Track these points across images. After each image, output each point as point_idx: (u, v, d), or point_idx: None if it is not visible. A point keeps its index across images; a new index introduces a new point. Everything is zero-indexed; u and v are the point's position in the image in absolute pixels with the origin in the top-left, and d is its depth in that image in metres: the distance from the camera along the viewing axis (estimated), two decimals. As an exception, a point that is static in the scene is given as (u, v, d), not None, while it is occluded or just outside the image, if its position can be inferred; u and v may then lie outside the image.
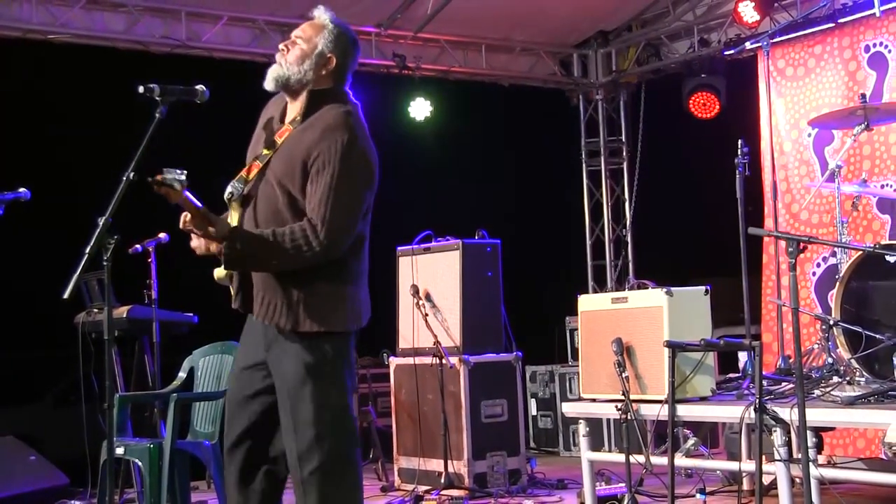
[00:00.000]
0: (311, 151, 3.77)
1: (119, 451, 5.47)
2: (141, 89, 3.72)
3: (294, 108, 3.92)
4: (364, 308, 3.92)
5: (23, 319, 7.59)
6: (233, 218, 3.86)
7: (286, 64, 3.89)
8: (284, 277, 3.78)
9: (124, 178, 3.63)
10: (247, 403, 3.86)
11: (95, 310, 6.71)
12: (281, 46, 3.94)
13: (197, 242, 3.82)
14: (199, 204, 3.65)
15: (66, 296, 3.59)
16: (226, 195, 3.86)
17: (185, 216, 3.69)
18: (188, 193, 3.59)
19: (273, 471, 3.89)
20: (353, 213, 3.80)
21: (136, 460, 5.56)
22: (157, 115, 3.71)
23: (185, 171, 3.58)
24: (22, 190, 5.53)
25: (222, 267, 3.81)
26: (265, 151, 3.88)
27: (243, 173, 3.89)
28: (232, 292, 3.94)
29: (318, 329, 3.75)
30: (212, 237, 3.70)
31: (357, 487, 3.87)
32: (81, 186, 7.47)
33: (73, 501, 6.68)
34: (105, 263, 3.66)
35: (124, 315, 6.64)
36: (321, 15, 3.99)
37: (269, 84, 3.93)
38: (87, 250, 3.58)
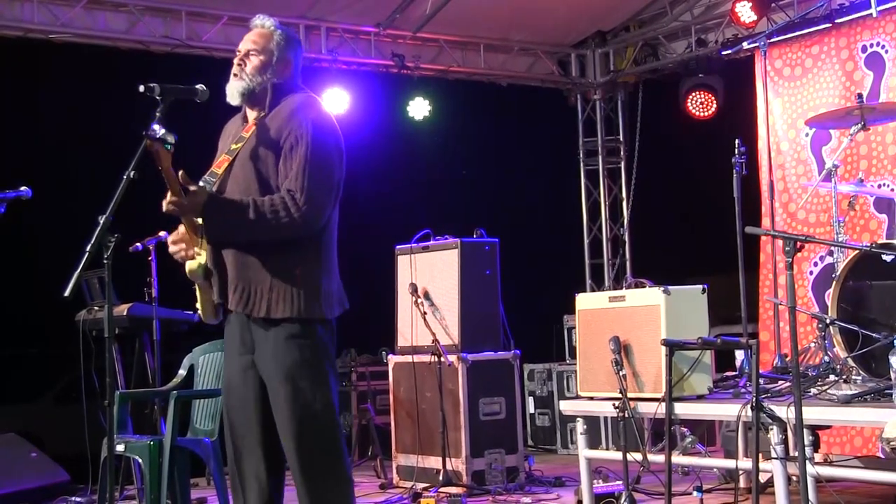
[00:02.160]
0: (281, 132, 3.86)
1: (119, 447, 5.48)
2: (142, 88, 3.76)
3: (254, 113, 3.98)
4: (338, 297, 3.97)
5: (24, 317, 7.61)
6: None
7: (248, 76, 3.94)
8: (259, 266, 3.82)
9: (125, 177, 3.66)
10: (247, 409, 3.90)
11: (96, 307, 6.74)
12: (236, 62, 3.97)
13: (175, 248, 3.87)
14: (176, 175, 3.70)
15: (67, 294, 3.62)
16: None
17: (167, 200, 3.72)
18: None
19: (277, 463, 3.93)
20: (329, 185, 3.87)
21: (137, 457, 5.57)
22: (158, 114, 3.74)
23: (176, 136, 3.64)
24: (23, 188, 5.55)
25: (205, 236, 3.82)
26: (233, 146, 3.95)
27: (213, 168, 3.94)
28: (198, 297, 3.96)
29: (294, 315, 3.80)
30: (191, 205, 3.72)
31: (346, 479, 3.89)
32: (82, 185, 7.50)
33: (74, 498, 6.69)
34: (106, 261, 3.69)
35: (125, 313, 6.66)
36: (265, 22, 4.06)
37: (234, 99, 3.99)
38: (88, 248, 3.62)
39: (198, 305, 4.01)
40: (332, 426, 3.86)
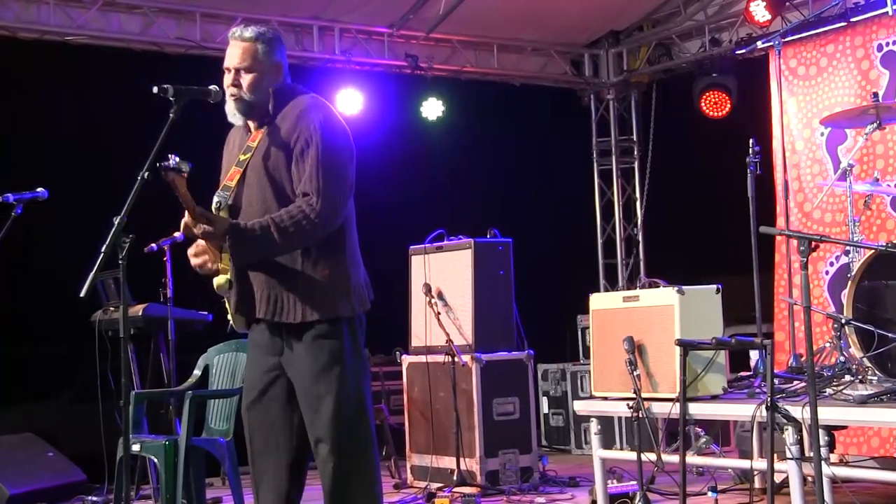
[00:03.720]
0: (290, 136, 3.85)
1: (135, 447, 5.49)
2: (155, 89, 3.77)
3: (256, 122, 3.97)
4: (366, 290, 3.99)
5: (40, 317, 7.65)
6: None
7: (246, 95, 3.90)
8: (285, 272, 3.83)
9: (139, 178, 3.67)
10: (271, 410, 3.91)
11: (111, 308, 6.76)
12: (230, 82, 3.90)
13: (197, 260, 3.85)
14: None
15: (82, 294, 3.63)
16: (213, 206, 3.87)
17: (186, 219, 3.73)
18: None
19: (299, 461, 3.94)
20: (343, 182, 3.87)
21: (152, 457, 5.58)
22: (172, 114, 3.76)
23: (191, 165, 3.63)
24: (39, 189, 5.59)
25: (230, 262, 3.82)
26: (242, 157, 3.93)
27: (226, 181, 3.92)
28: (229, 309, 3.97)
29: (326, 317, 3.81)
30: (211, 235, 3.74)
31: (374, 479, 3.91)
32: (97, 186, 7.52)
33: (90, 497, 6.73)
34: (121, 262, 3.71)
35: (140, 313, 6.69)
36: (244, 34, 3.95)
37: (236, 119, 3.97)
38: (104, 249, 3.63)
39: (229, 317, 4.01)
40: (363, 426, 3.87)
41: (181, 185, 3.65)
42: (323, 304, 3.82)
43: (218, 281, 3.89)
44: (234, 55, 3.93)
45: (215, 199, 3.87)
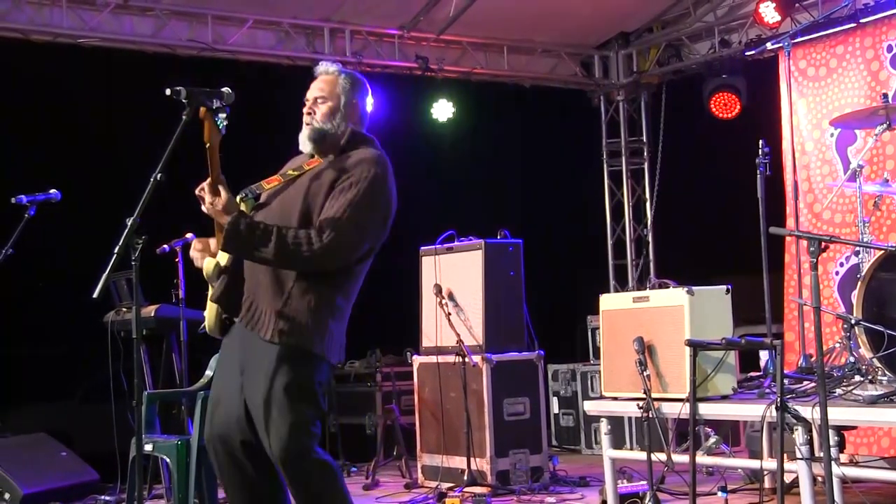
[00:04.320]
0: (343, 172, 3.89)
1: (147, 447, 5.52)
2: (168, 92, 3.78)
3: (324, 157, 4.02)
4: (339, 347, 3.97)
5: (53, 318, 7.69)
6: None
7: (318, 122, 3.99)
8: (273, 287, 3.84)
9: (152, 179, 3.69)
10: (234, 428, 3.90)
11: (124, 309, 6.81)
12: (306, 110, 4.02)
13: (197, 254, 3.93)
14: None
15: (95, 295, 3.64)
16: (239, 196, 3.92)
17: (202, 185, 3.76)
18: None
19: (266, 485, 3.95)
20: (362, 234, 3.88)
21: (165, 457, 5.62)
22: (184, 116, 3.78)
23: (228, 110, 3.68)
24: (52, 191, 5.62)
25: (220, 247, 3.85)
26: (291, 172, 3.99)
27: (263, 182, 3.98)
28: (207, 307, 3.98)
29: (295, 344, 3.80)
30: (216, 211, 3.76)
31: (334, 486, 3.88)
32: (110, 187, 7.57)
33: (103, 497, 6.77)
34: (133, 263, 3.73)
35: (152, 314, 6.73)
36: (328, 69, 4.09)
37: (305, 146, 4.05)
38: (116, 250, 3.65)
39: (205, 313, 4.03)
40: (307, 447, 3.80)
41: (214, 135, 3.68)
42: (295, 332, 3.81)
43: (208, 265, 3.92)
44: (314, 88, 4.06)
45: (243, 191, 3.92)
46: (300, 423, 3.78)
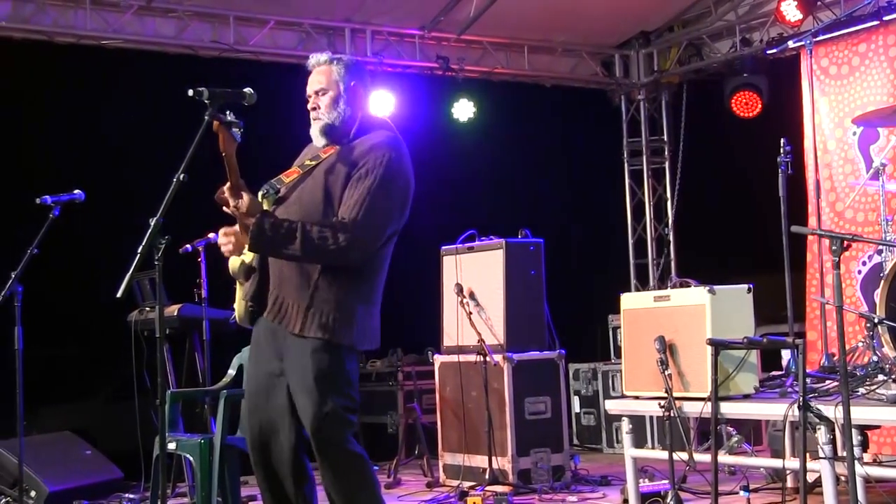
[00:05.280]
0: (358, 161, 3.91)
1: (171, 446, 5.56)
2: (190, 93, 3.82)
3: (337, 146, 4.04)
4: (372, 333, 4.00)
5: (78, 318, 7.74)
6: None
7: (324, 115, 4.02)
8: (300, 284, 3.88)
9: (175, 180, 3.72)
10: (275, 414, 3.96)
11: (147, 308, 6.84)
12: (310, 106, 4.05)
13: (224, 240, 3.96)
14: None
15: (119, 295, 3.67)
16: (260, 192, 3.97)
17: (223, 188, 3.80)
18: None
19: (298, 469, 4.00)
20: (384, 221, 3.91)
21: (188, 455, 5.65)
22: (207, 117, 3.81)
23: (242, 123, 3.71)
24: (76, 191, 5.66)
25: (247, 248, 3.90)
26: (308, 162, 4.01)
27: (282, 175, 4.01)
28: (238, 297, 4.03)
29: (322, 337, 3.84)
30: (241, 213, 3.80)
31: (366, 478, 3.93)
32: (134, 187, 7.61)
33: (127, 495, 6.80)
34: (156, 263, 3.74)
35: (175, 313, 6.76)
36: (319, 59, 4.10)
37: (318, 141, 4.07)
38: (140, 250, 3.66)
39: (235, 305, 4.08)
40: (340, 437, 3.86)
41: (229, 144, 3.72)
42: (324, 326, 3.85)
43: (233, 262, 3.97)
44: (312, 82, 4.08)
45: (265, 187, 3.96)
46: (334, 412, 3.83)
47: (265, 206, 3.96)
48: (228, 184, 3.81)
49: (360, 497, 3.90)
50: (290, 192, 3.99)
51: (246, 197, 3.81)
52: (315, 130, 4.05)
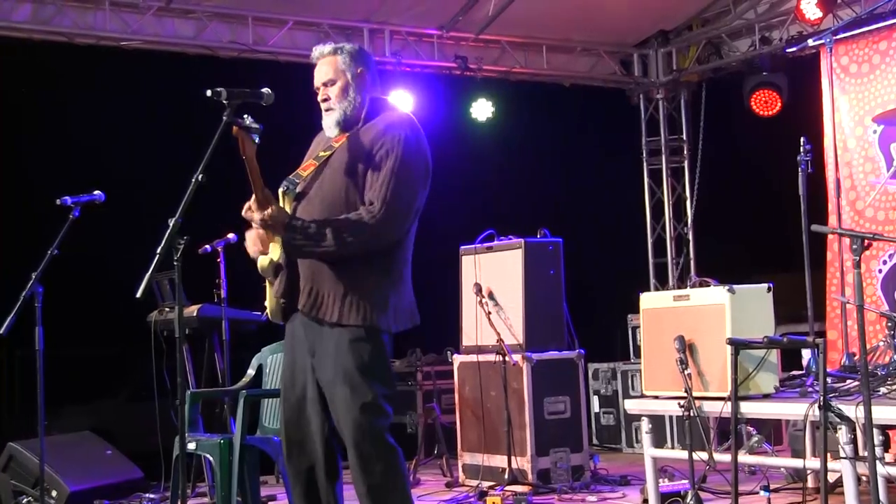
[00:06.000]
0: (374, 144, 3.92)
1: (191, 446, 5.57)
2: (209, 93, 3.83)
3: (348, 133, 4.05)
4: (409, 313, 4.02)
5: (98, 318, 7.77)
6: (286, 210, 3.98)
7: (336, 106, 4.03)
8: (332, 274, 3.89)
9: (194, 180, 3.73)
10: (306, 410, 3.99)
11: (167, 308, 6.86)
12: (321, 98, 4.06)
13: (252, 243, 3.97)
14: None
15: (138, 295, 3.69)
16: (280, 189, 3.99)
17: (248, 204, 3.81)
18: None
19: (331, 464, 4.01)
20: (409, 201, 3.93)
21: (208, 455, 5.66)
22: (225, 117, 3.82)
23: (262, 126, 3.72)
24: (96, 192, 5.68)
25: (280, 255, 3.91)
26: (322, 153, 4.01)
27: (299, 170, 4.03)
28: (268, 295, 4.05)
29: (359, 323, 3.87)
30: (269, 223, 3.82)
31: (399, 472, 3.93)
32: (153, 188, 7.64)
33: (147, 494, 6.83)
34: (176, 263, 3.76)
35: (195, 314, 6.78)
36: (323, 50, 4.10)
37: (331, 132, 4.07)
38: (159, 251, 3.68)
39: (266, 303, 4.10)
40: (384, 433, 3.89)
41: (249, 148, 3.74)
42: (360, 311, 3.87)
43: (262, 261, 3.98)
44: (318, 73, 4.08)
45: (284, 183, 3.97)
46: (372, 402, 3.85)
47: (286, 204, 3.97)
48: (253, 198, 3.82)
49: (391, 497, 3.91)
50: (309, 186, 4.00)
51: (271, 208, 3.83)
52: (329, 121, 4.05)
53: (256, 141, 3.77)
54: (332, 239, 3.80)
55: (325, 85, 4.05)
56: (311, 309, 3.92)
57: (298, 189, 3.99)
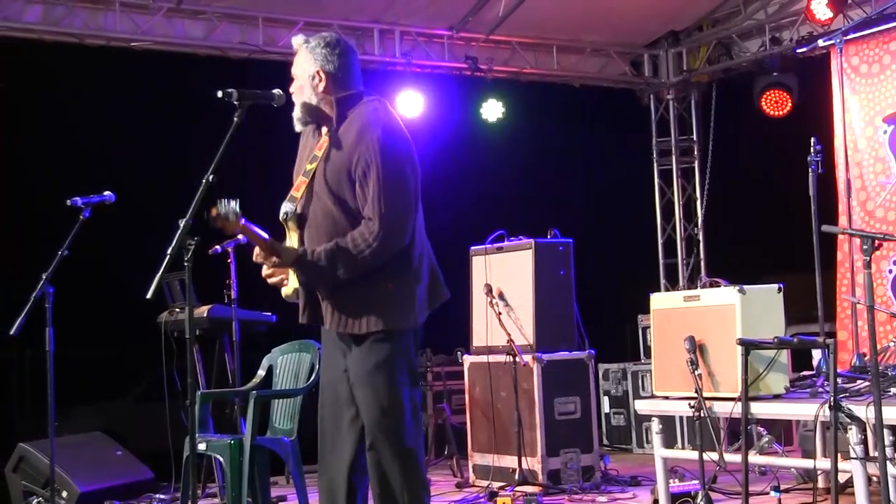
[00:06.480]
0: (352, 157, 3.89)
1: (201, 446, 5.57)
2: (220, 94, 3.84)
3: (324, 128, 4.06)
4: (418, 307, 4.02)
5: (109, 319, 7.79)
6: (292, 239, 4.02)
7: (295, 100, 4.04)
8: (353, 288, 3.92)
9: (204, 181, 3.74)
10: (338, 410, 4.04)
11: (177, 309, 6.87)
12: (291, 90, 4.06)
13: (269, 271, 4.00)
14: (262, 234, 3.82)
15: (149, 296, 3.70)
16: (281, 217, 4.01)
17: (256, 251, 3.87)
18: (247, 223, 3.75)
19: (358, 463, 4.05)
20: (405, 200, 3.92)
21: (218, 456, 5.66)
22: (236, 118, 3.83)
23: (238, 200, 3.71)
24: (106, 193, 5.69)
25: (294, 286, 3.99)
26: (308, 167, 4.01)
27: (293, 192, 4.02)
28: (300, 308, 4.09)
29: (380, 328, 3.91)
30: (281, 266, 3.91)
31: (414, 474, 3.96)
32: (163, 189, 7.66)
33: (157, 495, 6.85)
34: (186, 264, 3.77)
35: (205, 314, 6.79)
36: (296, 41, 4.11)
37: (298, 127, 4.09)
38: (169, 251, 3.69)
39: (282, 290, 4.13)
40: (405, 432, 3.93)
41: (232, 227, 3.74)
42: (386, 316, 3.92)
43: (286, 291, 4.04)
44: (294, 63, 4.08)
45: (282, 209, 4.00)
46: (391, 404, 3.90)
47: (291, 231, 4.01)
48: (258, 248, 3.86)
49: (403, 497, 3.93)
50: (307, 207, 4.00)
51: (277, 253, 3.87)
52: (294, 116, 4.05)
53: (234, 218, 3.73)
54: (342, 265, 3.84)
55: (292, 79, 4.06)
56: (339, 326, 3.97)
57: (298, 210, 3.99)
